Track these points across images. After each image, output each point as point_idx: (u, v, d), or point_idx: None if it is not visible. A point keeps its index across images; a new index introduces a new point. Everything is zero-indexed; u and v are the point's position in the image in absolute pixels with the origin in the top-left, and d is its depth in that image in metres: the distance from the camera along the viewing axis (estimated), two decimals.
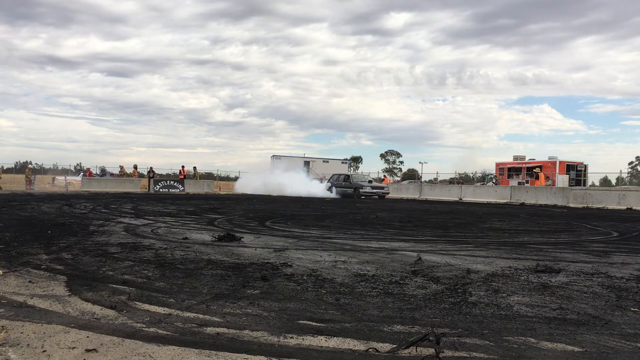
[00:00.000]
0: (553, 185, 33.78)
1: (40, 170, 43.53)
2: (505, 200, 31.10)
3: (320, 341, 3.30)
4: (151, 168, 37.94)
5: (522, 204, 27.53)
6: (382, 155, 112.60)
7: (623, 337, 3.48)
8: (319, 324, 3.66)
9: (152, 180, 37.10)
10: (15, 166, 48.84)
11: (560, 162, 36.40)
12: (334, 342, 3.28)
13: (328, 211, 17.23)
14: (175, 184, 37.65)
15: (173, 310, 3.98)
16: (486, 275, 5.59)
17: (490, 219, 14.83)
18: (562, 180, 35.31)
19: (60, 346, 3.13)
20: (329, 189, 35.05)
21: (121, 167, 42.46)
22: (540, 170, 35.17)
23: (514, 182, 38.18)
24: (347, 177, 35.92)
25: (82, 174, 40.77)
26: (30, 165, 41.15)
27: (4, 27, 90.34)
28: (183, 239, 8.46)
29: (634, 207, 24.27)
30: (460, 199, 34.14)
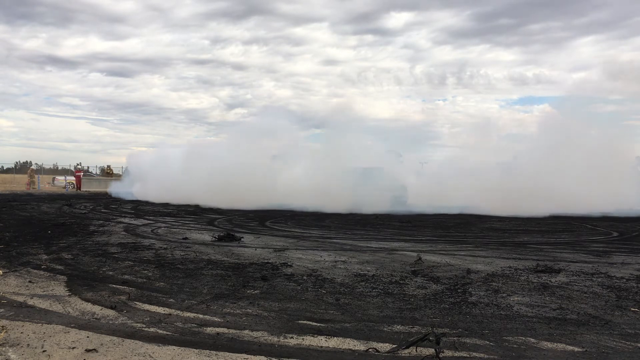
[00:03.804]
0: None
1: (41, 170, 43.37)
2: None
3: (320, 341, 3.31)
4: (108, 166, 37.27)
5: None
6: None
7: (623, 337, 3.48)
8: (319, 324, 3.66)
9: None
10: (15, 166, 48.72)
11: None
12: (334, 342, 3.29)
13: (328, 211, 17.20)
14: None
15: (173, 310, 3.98)
16: (486, 275, 5.59)
17: (490, 219, 14.82)
18: None
19: (60, 346, 3.13)
20: None
21: (108, 167, 41.77)
22: None
23: None
24: None
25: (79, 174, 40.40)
26: (32, 166, 40.64)
27: (3, 26, 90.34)
28: (183, 239, 8.46)
29: (633, 208, 24.22)
30: None
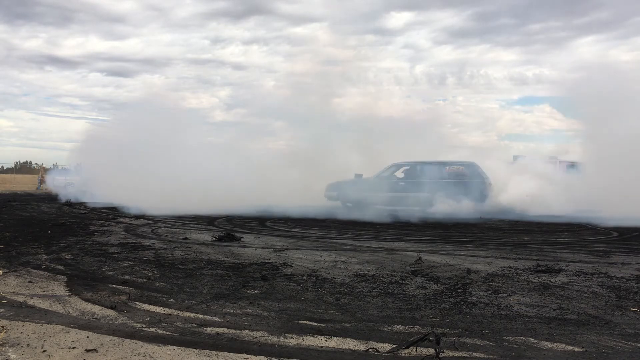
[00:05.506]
0: None
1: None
2: None
3: (320, 341, 3.31)
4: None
5: None
6: None
7: (623, 337, 3.48)
8: (319, 324, 3.66)
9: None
10: (15, 166, 48.75)
11: (560, 162, 36.26)
12: (334, 342, 3.28)
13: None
14: None
15: (173, 310, 3.98)
16: (486, 275, 5.59)
17: (490, 218, 14.82)
18: None
19: (60, 346, 3.13)
20: None
21: None
22: None
23: None
24: None
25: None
26: (45, 166, 40.32)
27: (3, 26, 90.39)
28: (183, 239, 8.47)
29: None
30: None
